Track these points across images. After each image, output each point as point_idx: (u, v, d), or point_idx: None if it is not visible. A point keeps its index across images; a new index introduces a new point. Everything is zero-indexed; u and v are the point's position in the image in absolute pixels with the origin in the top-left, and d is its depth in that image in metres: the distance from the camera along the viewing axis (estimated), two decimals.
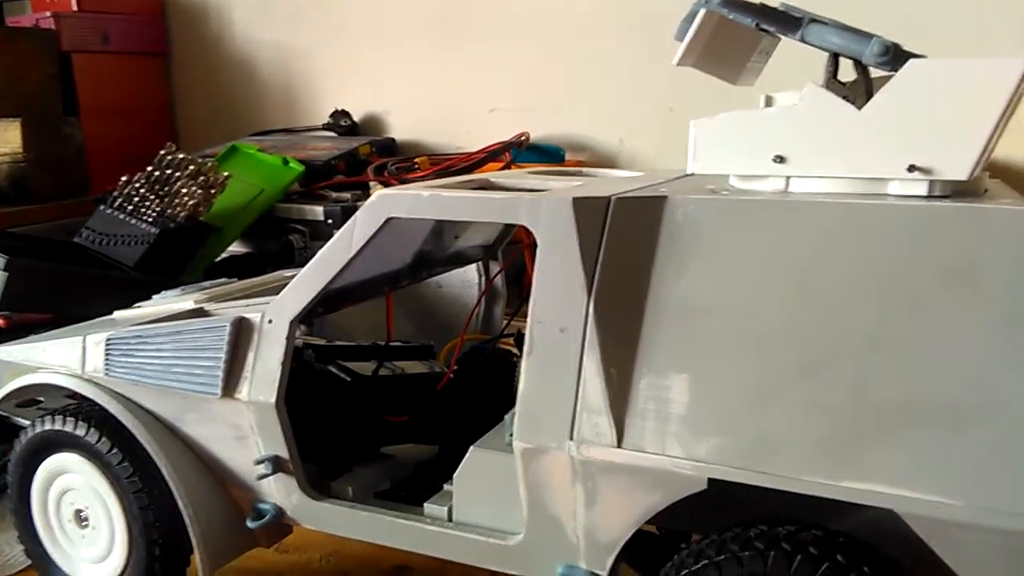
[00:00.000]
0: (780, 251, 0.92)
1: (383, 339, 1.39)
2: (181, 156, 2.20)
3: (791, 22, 0.97)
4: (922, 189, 0.90)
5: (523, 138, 2.58)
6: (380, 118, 2.84)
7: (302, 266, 1.15)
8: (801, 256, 0.92)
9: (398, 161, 2.58)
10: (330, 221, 2.35)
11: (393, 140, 2.77)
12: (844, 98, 0.94)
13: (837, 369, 0.88)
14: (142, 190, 2.17)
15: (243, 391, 1.12)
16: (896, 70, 0.89)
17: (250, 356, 1.12)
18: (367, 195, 2.46)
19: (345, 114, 2.80)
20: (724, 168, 1.02)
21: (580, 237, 0.98)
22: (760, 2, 1.05)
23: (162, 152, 2.20)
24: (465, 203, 1.05)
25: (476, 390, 1.35)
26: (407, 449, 1.31)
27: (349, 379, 1.22)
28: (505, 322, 1.56)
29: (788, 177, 0.98)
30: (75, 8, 2.78)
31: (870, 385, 0.86)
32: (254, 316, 1.13)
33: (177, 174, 2.19)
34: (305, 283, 1.10)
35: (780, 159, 0.96)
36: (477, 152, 2.58)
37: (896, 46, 0.89)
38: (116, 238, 2.14)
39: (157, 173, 2.19)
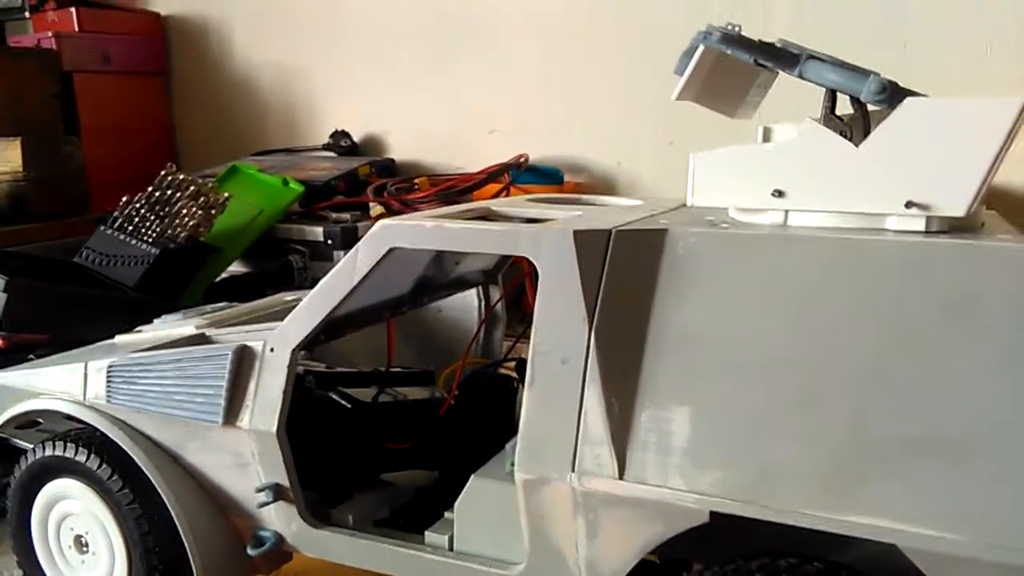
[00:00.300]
0: (779, 284, 0.93)
1: (384, 365, 1.39)
2: (181, 177, 2.21)
3: (789, 59, 0.98)
4: (920, 225, 0.92)
5: (522, 159, 2.59)
6: (380, 138, 2.86)
7: (301, 287, 1.15)
8: (800, 289, 0.92)
9: (398, 182, 2.59)
10: (330, 242, 2.36)
11: (393, 160, 2.79)
12: (841, 133, 0.96)
13: (837, 402, 0.89)
14: (142, 210, 2.18)
15: (244, 419, 1.12)
16: (893, 107, 0.91)
17: (252, 384, 1.12)
18: (367, 215, 2.48)
19: (345, 134, 2.81)
20: (723, 201, 1.03)
21: (581, 269, 0.99)
22: (758, 39, 1.07)
23: (162, 173, 2.21)
24: (467, 235, 1.06)
25: (477, 416, 1.35)
26: (408, 475, 1.31)
27: (350, 406, 1.23)
28: (507, 347, 1.57)
29: (787, 211, 0.99)
30: (76, 28, 2.79)
31: (870, 418, 0.87)
32: (256, 344, 1.13)
33: (177, 194, 2.20)
34: (308, 312, 1.11)
35: (779, 193, 0.97)
36: (476, 173, 2.60)
37: (893, 84, 0.91)
38: (116, 258, 2.15)
39: (157, 193, 2.20)
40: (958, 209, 0.89)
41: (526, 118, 2.64)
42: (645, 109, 2.47)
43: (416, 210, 2.51)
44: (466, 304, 1.66)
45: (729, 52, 1.01)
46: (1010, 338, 0.83)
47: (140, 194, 2.18)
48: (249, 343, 1.14)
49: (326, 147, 2.82)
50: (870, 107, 1.00)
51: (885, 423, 0.86)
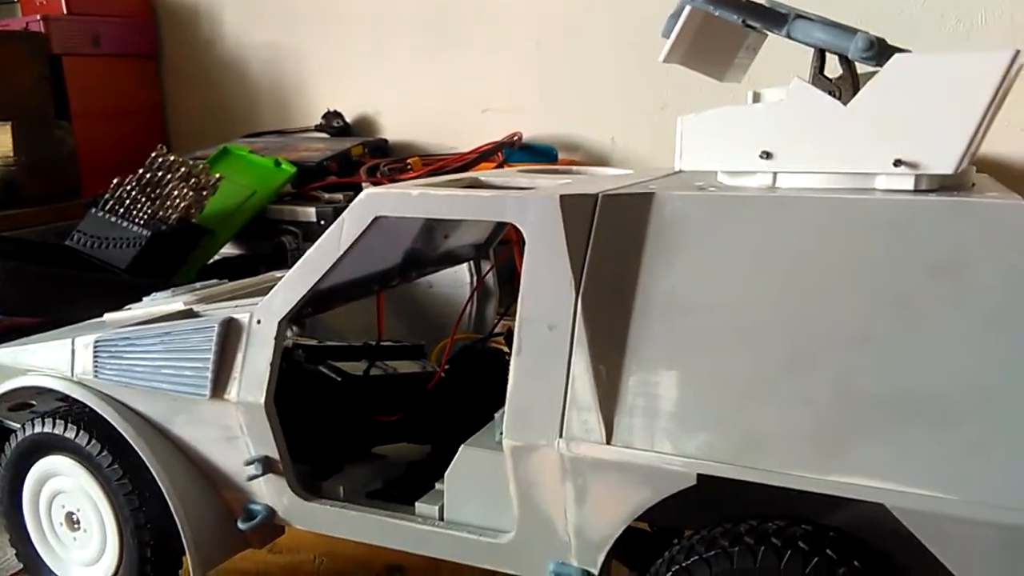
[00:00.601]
0: (767, 247, 0.92)
1: (374, 339, 1.38)
2: (172, 158, 2.20)
3: (777, 18, 0.97)
4: (908, 183, 0.90)
5: (515, 138, 2.58)
6: (372, 119, 2.84)
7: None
8: (788, 252, 0.91)
9: (390, 162, 2.58)
10: (323, 222, 2.35)
11: (386, 141, 2.77)
12: (830, 93, 0.94)
13: (825, 364, 0.88)
14: (133, 193, 2.17)
15: (232, 392, 1.11)
16: (881, 65, 0.89)
17: (239, 357, 1.11)
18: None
19: (337, 115, 2.79)
20: (712, 164, 1.02)
21: (568, 235, 0.98)
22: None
23: (153, 154, 2.20)
24: (452, 201, 1.05)
25: (467, 389, 1.34)
26: (399, 448, 1.30)
27: (340, 379, 1.22)
28: (496, 320, 1.56)
29: (775, 173, 0.98)
30: (65, 11, 2.77)
31: (858, 379, 0.86)
32: (243, 316, 1.13)
33: (168, 176, 2.19)
34: (294, 283, 1.10)
35: (767, 155, 0.96)
36: (469, 152, 2.58)
37: (881, 41, 0.89)
38: (108, 241, 2.14)
39: (148, 176, 2.19)
40: (947, 166, 0.88)
41: (519, 97, 2.62)
42: (638, 84, 2.45)
43: None
44: (457, 279, 1.65)
45: (716, 12, 0.99)
46: (999, 298, 0.83)
47: (131, 176, 2.17)
48: (236, 315, 1.13)
49: (318, 128, 2.80)
50: (859, 67, 0.99)
51: (873, 383, 0.85)
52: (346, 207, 2.53)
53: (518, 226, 1.00)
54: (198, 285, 1.47)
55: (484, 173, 1.37)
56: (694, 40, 1.07)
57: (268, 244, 2.38)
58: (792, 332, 0.90)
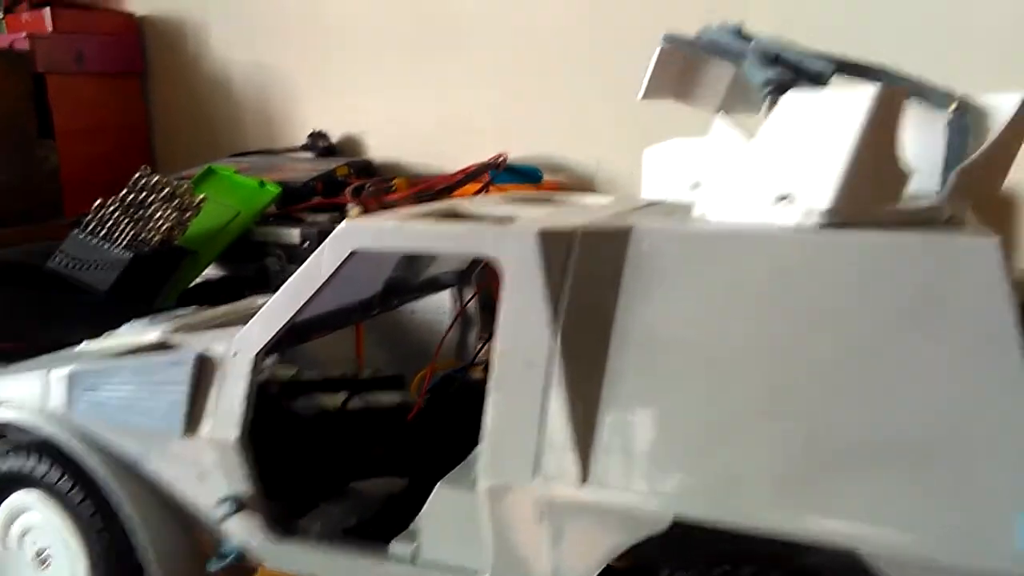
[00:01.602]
0: (742, 284, 0.92)
1: (355, 368, 1.37)
2: (156, 179, 2.18)
3: (734, 54, 0.97)
4: (796, 218, 0.91)
5: (500, 159, 2.57)
6: (358, 139, 2.83)
7: (278, 290, 1.13)
8: (761, 289, 0.91)
9: (376, 182, 2.57)
10: (307, 244, 2.33)
11: (371, 161, 2.76)
12: None
13: (798, 404, 0.87)
14: (116, 214, 2.15)
15: (205, 429, 1.09)
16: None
17: (213, 392, 1.10)
18: (344, 217, 2.46)
19: (323, 135, 2.78)
20: (664, 194, 1.04)
21: (545, 269, 0.97)
22: (731, 29, 1.05)
23: (136, 175, 2.18)
24: (430, 235, 1.04)
25: (447, 420, 1.33)
26: (378, 483, 1.28)
27: (316, 414, 1.20)
28: (478, 348, 1.55)
29: (704, 204, 1.00)
30: (50, 29, 2.75)
31: (830, 421, 0.85)
32: (217, 351, 1.11)
33: (152, 197, 2.17)
34: (270, 316, 1.08)
35: (696, 186, 1.01)
36: (455, 173, 2.57)
37: (781, 80, 0.90)
38: (89, 263, 2.12)
39: (131, 196, 2.17)
40: (823, 201, 0.88)
41: (505, 118, 2.62)
42: (623, 106, 2.43)
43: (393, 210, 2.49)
44: (440, 305, 1.63)
45: (680, 49, 1.00)
46: (967, 339, 0.82)
47: (113, 197, 2.15)
48: (210, 350, 1.11)
49: (304, 148, 2.79)
50: None
51: (844, 426, 0.85)
52: (331, 229, 2.52)
53: (497, 260, 0.99)
54: (177, 313, 1.45)
55: (465, 201, 1.36)
56: (675, 75, 1.07)
57: (252, 266, 2.36)
58: (766, 372, 0.89)
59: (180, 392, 1.10)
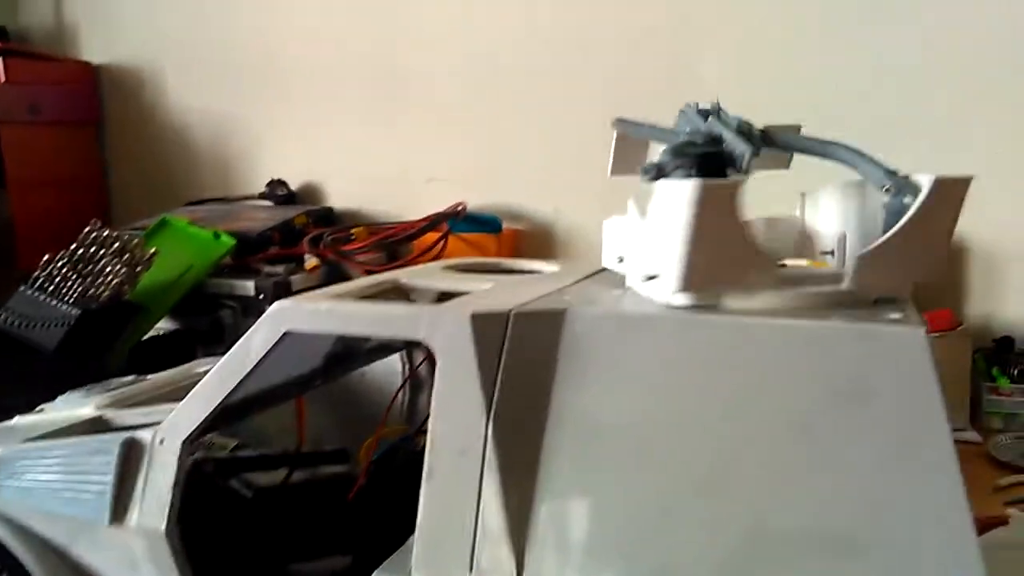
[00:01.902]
0: (676, 367, 0.90)
1: (296, 443, 1.34)
2: (106, 233, 2.15)
3: (670, 136, 0.97)
4: (665, 298, 0.94)
5: (460, 208, 2.57)
6: (317, 187, 2.82)
7: (232, 344, 1.10)
8: (695, 373, 0.90)
9: (335, 231, 2.55)
10: (262, 296, 2.30)
11: (331, 209, 2.75)
12: None
13: (734, 493, 0.86)
14: (64, 269, 2.11)
15: (132, 518, 1.06)
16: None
17: (140, 480, 1.06)
18: (301, 268, 2.43)
19: (282, 183, 2.77)
20: (606, 263, 1.11)
21: (478, 354, 0.95)
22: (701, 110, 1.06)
23: (87, 229, 2.15)
24: (365, 318, 1.02)
25: (393, 492, 1.30)
26: (319, 564, 1.25)
27: (254, 492, 1.17)
28: (427, 416, 1.52)
29: (626, 278, 1.05)
30: (3, 79, 2.72)
31: (765, 509, 0.84)
32: (145, 436, 1.08)
33: (101, 252, 2.13)
34: (199, 400, 1.06)
35: (620, 259, 1.06)
36: (415, 222, 2.57)
37: (659, 167, 0.92)
38: (36, 321, 2.07)
39: (81, 251, 2.14)
40: (676, 284, 0.90)
41: (464, 166, 2.62)
42: (581, 155, 2.45)
43: (352, 261, 2.46)
44: (390, 368, 1.61)
45: (630, 133, 1.00)
46: (900, 427, 0.81)
47: (63, 252, 2.12)
48: (138, 434, 1.08)
49: (263, 196, 2.77)
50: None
51: (780, 515, 0.83)
52: (286, 280, 2.48)
53: (429, 345, 0.97)
54: (114, 383, 1.42)
55: (410, 271, 1.34)
56: (636, 152, 1.10)
57: (205, 319, 2.32)
58: (701, 458, 0.87)
59: (106, 480, 1.06)
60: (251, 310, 2.31)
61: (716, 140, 1.00)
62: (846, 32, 2.19)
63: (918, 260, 0.92)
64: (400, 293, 1.21)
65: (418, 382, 1.60)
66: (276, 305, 1.05)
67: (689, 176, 0.92)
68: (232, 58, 2.82)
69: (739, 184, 0.88)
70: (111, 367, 2.14)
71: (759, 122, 1.02)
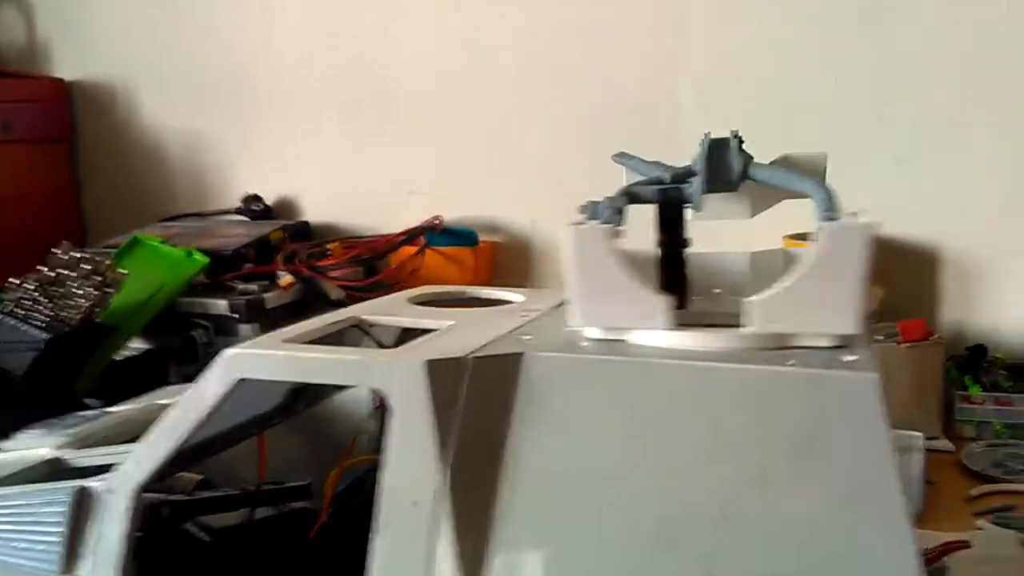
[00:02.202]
0: (632, 414, 0.89)
1: (256, 481, 1.31)
2: (76, 255, 2.13)
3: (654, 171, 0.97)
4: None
5: (437, 221, 2.55)
6: (293, 201, 2.79)
7: (206, 363, 1.08)
8: (651, 420, 0.88)
9: (310, 247, 2.53)
10: (235, 315, 2.28)
11: (307, 223, 2.73)
12: None
13: (690, 543, 0.84)
14: (34, 292, 2.09)
15: (84, 570, 1.04)
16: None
17: (91, 530, 1.04)
18: (276, 285, 2.41)
19: (257, 198, 2.74)
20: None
21: (433, 402, 0.93)
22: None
23: (55, 251, 2.13)
24: (319, 365, 1.00)
25: (357, 526, 1.28)
26: None
27: (208, 538, 1.15)
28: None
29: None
30: None
31: (720, 561, 0.82)
32: (96, 485, 1.06)
33: (71, 274, 2.11)
34: (151, 448, 1.03)
35: None
36: (391, 236, 2.55)
37: (615, 208, 0.92)
38: (4, 345, 2.05)
39: (51, 274, 2.11)
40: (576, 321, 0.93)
41: (441, 179, 2.60)
42: (558, 169, 2.44)
43: (327, 277, 2.44)
44: (358, 395, 1.59)
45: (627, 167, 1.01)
46: (850, 477, 0.80)
47: (31, 275, 2.10)
48: (89, 484, 1.06)
49: (238, 211, 2.75)
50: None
51: (732, 565, 0.82)
52: (260, 299, 2.45)
53: (383, 392, 0.96)
54: (73, 419, 1.39)
55: (374, 305, 1.32)
56: None
57: (178, 338, 2.30)
58: (659, 508, 0.86)
59: (56, 531, 1.04)
60: (224, 329, 2.29)
61: (682, 177, 0.98)
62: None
63: (827, 308, 0.90)
64: (360, 332, 1.19)
65: (385, 411, 1.58)
66: (228, 352, 1.03)
67: (614, 216, 0.93)
68: (206, 72, 2.79)
69: (609, 231, 0.91)
70: (82, 390, 2.12)
71: (760, 137, 1.02)
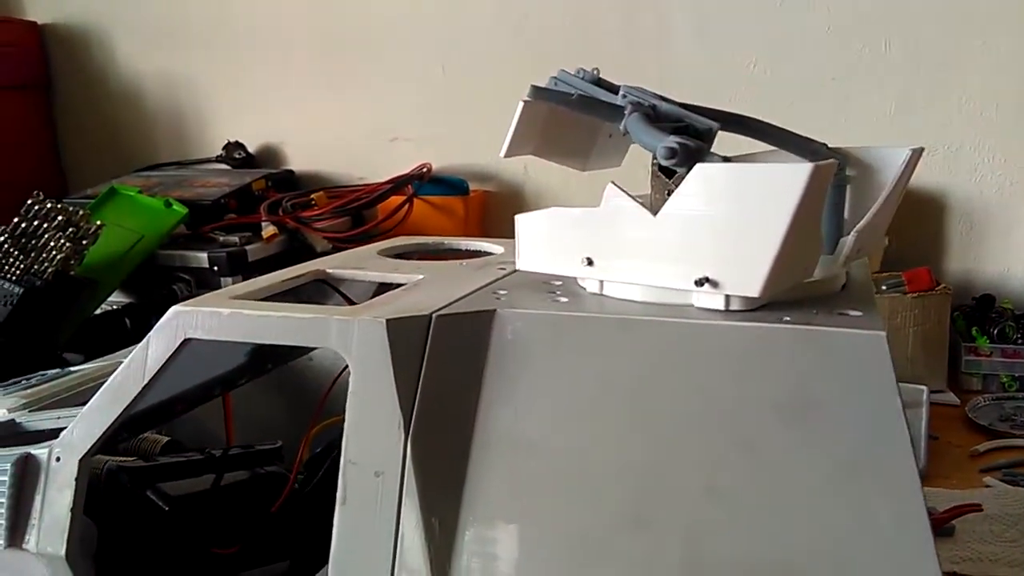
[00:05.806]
0: (613, 377, 0.81)
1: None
2: (49, 206, 2.04)
3: (614, 111, 0.85)
4: (719, 303, 0.79)
5: (424, 169, 2.45)
6: (277, 149, 2.69)
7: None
8: (634, 383, 0.80)
9: (294, 197, 2.44)
10: (216, 268, 2.21)
11: (291, 172, 2.63)
12: (668, 194, 0.82)
13: (672, 519, 0.77)
14: (6, 245, 2.01)
15: (31, 541, 0.97)
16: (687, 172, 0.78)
17: (37, 500, 0.98)
18: (259, 237, 2.32)
19: (239, 146, 2.64)
20: (546, 267, 0.91)
21: (395, 365, 0.85)
22: (598, 81, 0.94)
23: (28, 202, 2.04)
24: (271, 324, 0.92)
25: (330, 490, 1.21)
26: (254, 573, 1.17)
27: (168, 507, 1.08)
28: None
29: (601, 281, 0.88)
30: None
31: (704, 538, 0.75)
32: (41, 453, 0.99)
33: (44, 226, 2.03)
34: (95, 414, 0.96)
35: (589, 261, 0.86)
36: (378, 184, 2.46)
37: (685, 146, 0.76)
38: None
39: (24, 225, 2.03)
40: (752, 289, 0.76)
41: (428, 125, 2.50)
42: None
43: (312, 228, 2.35)
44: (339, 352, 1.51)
45: (548, 104, 0.88)
46: (847, 445, 0.72)
47: (3, 227, 2.01)
48: (34, 451, 0.99)
49: (219, 159, 2.65)
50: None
51: (719, 545, 0.75)
52: (242, 250, 2.37)
53: (342, 354, 0.88)
54: (33, 379, 1.32)
55: (343, 257, 1.24)
56: (544, 131, 0.96)
57: (159, 292, 2.23)
58: (638, 480, 0.78)
59: (0, 500, 0.98)
60: (205, 282, 2.21)
61: (657, 116, 0.89)
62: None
63: (880, 232, 0.82)
64: (323, 287, 1.11)
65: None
66: (173, 310, 0.95)
67: (707, 158, 0.78)
68: (182, 17, 2.66)
69: (836, 166, 0.78)
70: (59, 345, 2.06)
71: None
